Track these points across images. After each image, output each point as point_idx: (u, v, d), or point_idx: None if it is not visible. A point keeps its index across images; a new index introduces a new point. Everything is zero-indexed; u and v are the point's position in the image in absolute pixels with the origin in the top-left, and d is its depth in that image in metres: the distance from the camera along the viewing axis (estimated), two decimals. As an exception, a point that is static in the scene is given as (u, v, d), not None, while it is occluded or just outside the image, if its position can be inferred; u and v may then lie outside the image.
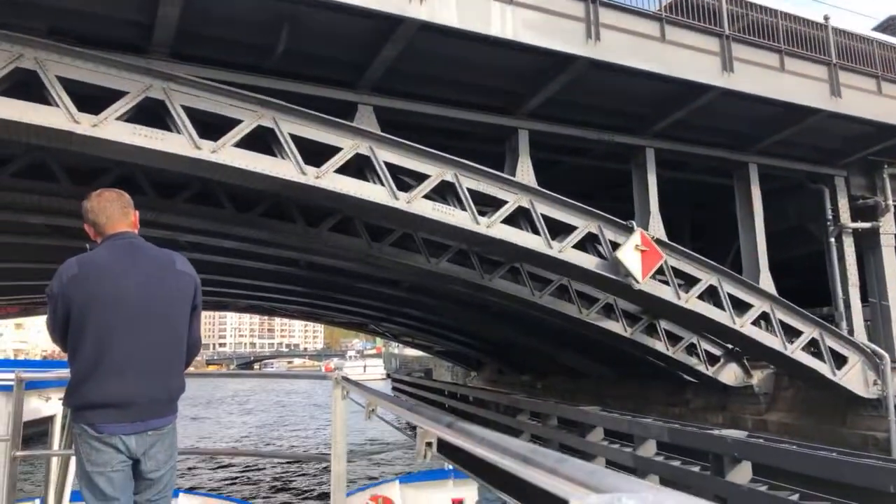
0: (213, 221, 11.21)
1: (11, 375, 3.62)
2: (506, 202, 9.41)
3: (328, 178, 8.21)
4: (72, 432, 2.91)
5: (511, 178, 9.48)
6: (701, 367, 14.99)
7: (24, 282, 19.11)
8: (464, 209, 9.09)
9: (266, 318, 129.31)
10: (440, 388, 26.28)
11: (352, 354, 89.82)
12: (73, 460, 3.71)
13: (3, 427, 3.62)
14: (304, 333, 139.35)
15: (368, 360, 77.11)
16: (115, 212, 2.82)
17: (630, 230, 10.16)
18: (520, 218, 9.66)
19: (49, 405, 4.41)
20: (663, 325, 15.22)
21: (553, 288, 13.97)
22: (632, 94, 10.16)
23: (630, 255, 9.88)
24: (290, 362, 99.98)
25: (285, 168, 8.02)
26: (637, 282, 9.92)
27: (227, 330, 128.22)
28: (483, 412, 18.13)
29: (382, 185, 8.55)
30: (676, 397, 18.31)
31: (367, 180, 8.55)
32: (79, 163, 10.17)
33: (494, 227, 9.27)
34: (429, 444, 1.87)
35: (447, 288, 14.72)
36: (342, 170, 8.37)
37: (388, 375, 56.48)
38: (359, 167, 8.61)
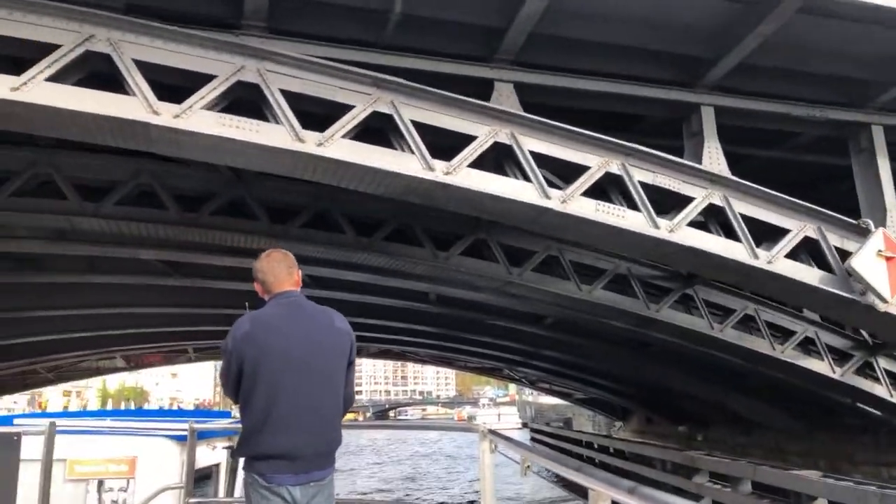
0: (333, 248, 9.75)
1: (185, 426, 3.74)
2: (692, 199, 7.07)
3: (461, 175, 6.33)
4: (244, 481, 2.96)
5: (697, 165, 7.14)
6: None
7: (162, 328, 18.92)
8: (637, 209, 6.87)
9: (399, 365, 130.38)
10: (587, 440, 23.29)
11: (484, 402, 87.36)
12: None
13: (179, 475, 3.76)
14: (437, 380, 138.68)
15: (502, 409, 74.35)
16: (281, 272, 3.00)
17: (865, 231, 7.38)
18: (710, 219, 7.28)
19: (215, 454, 4.53)
20: (882, 363, 11.88)
21: (736, 319, 11.20)
22: (853, 51, 7.55)
23: (870, 264, 7.12)
24: (423, 409, 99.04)
25: (408, 162, 6.27)
26: (884, 301, 7.13)
27: (363, 378, 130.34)
28: (646, 471, 15.23)
29: (529, 180, 6.54)
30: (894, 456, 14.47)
31: (508, 175, 6.61)
32: (186, 187, 9.11)
33: (679, 232, 6.94)
34: None
35: (600, 324, 12.36)
36: (477, 164, 6.50)
37: (525, 425, 53.47)
38: (497, 161, 6.69)
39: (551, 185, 6.63)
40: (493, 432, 3.26)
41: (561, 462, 2.54)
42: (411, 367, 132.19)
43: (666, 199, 7.09)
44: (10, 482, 3.35)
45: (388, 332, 18.76)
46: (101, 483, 4.14)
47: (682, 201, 7.05)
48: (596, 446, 21.52)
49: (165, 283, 12.76)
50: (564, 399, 34.06)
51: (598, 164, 6.78)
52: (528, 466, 2.75)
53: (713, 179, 7.16)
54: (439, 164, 6.30)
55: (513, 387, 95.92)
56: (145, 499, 3.69)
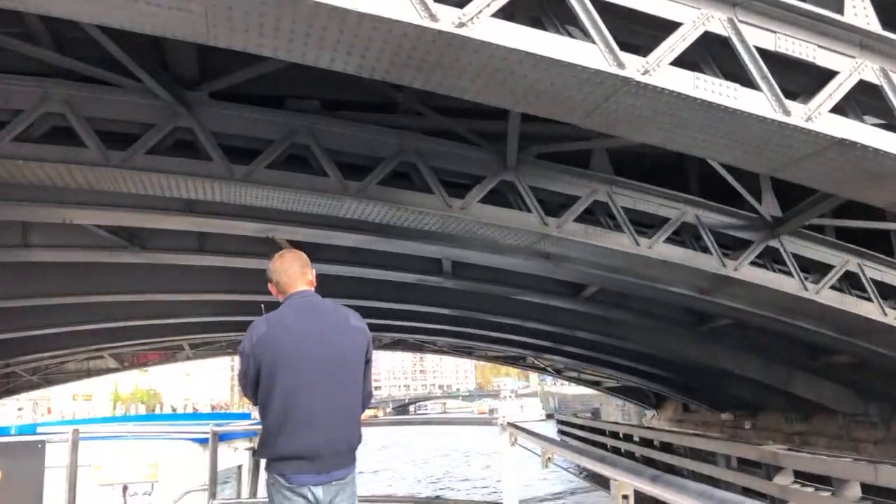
0: (314, 195, 7.37)
1: (206, 429, 3.84)
2: (835, 73, 4.63)
3: (482, 26, 3.95)
4: (266, 482, 2.90)
5: (840, 18, 4.65)
6: None
7: (148, 320, 16.68)
8: (755, 87, 4.43)
9: (417, 359, 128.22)
10: (626, 432, 20.69)
11: (506, 394, 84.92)
12: None
13: (201, 477, 3.76)
14: (456, 374, 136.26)
15: (524, 401, 71.88)
16: (295, 272, 3.01)
17: None
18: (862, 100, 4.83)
19: (237, 455, 4.53)
20: None
21: (836, 277, 8.69)
22: None
23: None
24: (444, 404, 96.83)
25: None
26: None
27: (382, 373, 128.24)
28: (705, 468, 12.72)
29: (592, 40, 4.15)
30: None
31: (561, 33, 4.19)
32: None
33: (821, 120, 4.50)
34: (625, 497, 1.78)
35: (654, 292, 9.90)
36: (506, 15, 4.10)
37: (549, 416, 50.99)
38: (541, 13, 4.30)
39: (625, 47, 4.20)
40: (512, 425, 3.21)
41: (582, 453, 2.58)
42: (429, 361, 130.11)
43: (797, 74, 4.63)
44: (35, 489, 3.35)
45: (400, 317, 16.35)
46: (125, 488, 4.20)
47: (822, 77, 4.59)
48: (637, 439, 18.90)
49: (129, 259, 10.44)
50: (593, 388, 31.53)
51: (695, 18, 4.34)
52: (550, 458, 2.79)
53: (863, 44, 4.69)
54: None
55: (534, 378, 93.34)
56: (170, 502, 3.72)
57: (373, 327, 3.38)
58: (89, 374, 22.54)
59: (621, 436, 20.63)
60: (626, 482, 1.76)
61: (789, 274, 8.56)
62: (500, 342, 20.88)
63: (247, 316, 16.67)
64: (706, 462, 13.38)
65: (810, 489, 9.96)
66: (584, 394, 52.12)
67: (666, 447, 16.09)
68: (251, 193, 7.13)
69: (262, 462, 3.13)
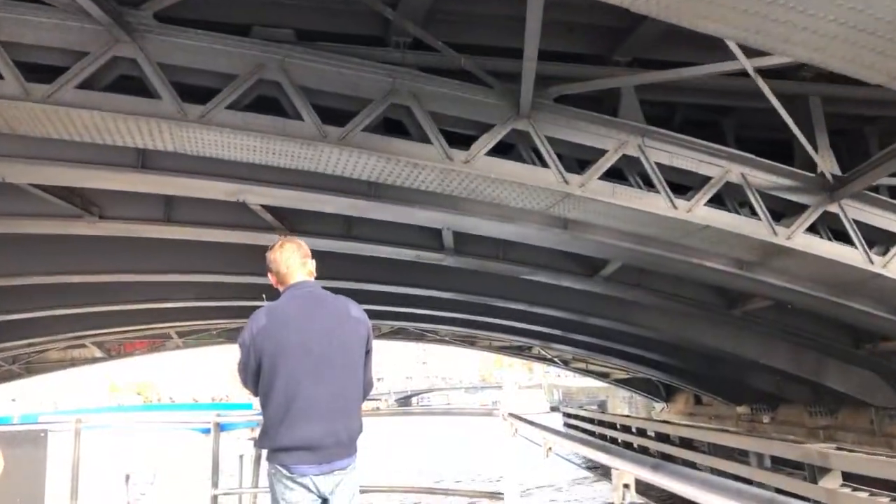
0: (284, 141, 6.07)
1: (208, 418, 3.70)
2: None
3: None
4: (267, 472, 2.91)
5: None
6: None
7: (128, 304, 15.42)
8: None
9: (420, 351, 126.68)
10: (640, 426, 19.37)
11: (508, 387, 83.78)
12: (259, 497, 4.30)
13: (203, 466, 3.63)
14: (459, 366, 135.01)
15: (527, 393, 70.67)
16: (295, 262, 3.00)
17: None
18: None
19: (239, 445, 4.39)
20: None
21: (904, 247, 7.36)
22: None
23: None
24: (447, 396, 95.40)
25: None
26: None
27: (384, 365, 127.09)
28: (734, 467, 11.42)
29: None
30: None
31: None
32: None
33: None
34: (626, 486, 1.78)
35: (688, 267, 8.56)
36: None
37: (555, 408, 49.83)
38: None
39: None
40: (512, 416, 3.21)
41: (583, 443, 2.54)
42: (432, 353, 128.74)
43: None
44: (38, 478, 3.32)
45: (398, 302, 15.06)
46: (128, 476, 4.11)
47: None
48: (652, 434, 17.57)
49: (85, 231, 9.15)
50: (601, 380, 30.25)
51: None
52: (550, 449, 2.76)
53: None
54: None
55: (538, 370, 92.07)
56: (171, 491, 3.78)
57: (370, 314, 3.05)
58: (73, 363, 21.33)
59: (633, 430, 19.30)
60: (627, 471, 1.74)
61: (850, 243, 7.24)
62: (506, 330, 19.59)
63: (236, 301, 15.35)
64: (729, 460, 12.08)
65: (863, 494, 8.69)
66: (590, 386, 50.86)
67: (685, 443, 14.75)
68: (209, 140, 5.82)
69: (264, 452, 3.24)
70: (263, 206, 7.71)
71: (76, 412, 4.84)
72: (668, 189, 6.68)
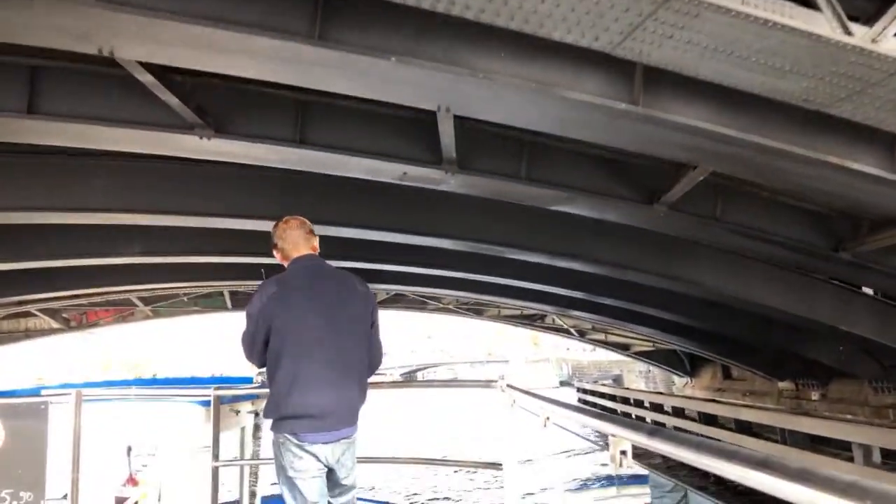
0: None
1: (208, 391, 3.77)
2: None
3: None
4: (274, 442, 2.96)
5: None
6: None
7: (80, 259, 12.55)
8: None
9: (425, 324, 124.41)
10: (676, 404, 16.40)
11: (516, 361, 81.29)
12: (261, 468, 4.57)
13: (204, 439, 3.67)
14: (464, 339, 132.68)
15: (535, 367, 68.09)
16: (300, 238, 3.10)
17: None
18: None
19: (238, 418, 4.37)
20: None
21: None
22: None
23: None
24: (452, 370, 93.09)
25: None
26: None
27: (388, 339, 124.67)
28: (830, 462, 8.52)
29: None
30: None
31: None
32: None
33: None
34: (623, 453, 1.82)
35: (811, 173, 5.54)
36: None
37: (564, 383, 47.18)
38: None
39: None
40: (511, 387, 3.23)
41: (580, 411, 2.42)
42: (437, 327, 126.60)
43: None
44: (39, 450, 3.28)
45: (386, 255, 12.16)
46: (129, 448, 4.14)
47: None
48: (697, 415, 14.63)
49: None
50: (620, 352, 27.36)
51: None
52: (548, 418, 2.69)
53: None
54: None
55: (546, 344, 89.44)
56: (173, 462, 3.73)
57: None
58: (27, 335, 18.55)
59: (668, 409, 16.38)
60: (624, 438, 1.76)
61: None
62: (520, 294, 16.66)
63: (195, 256, 12.54)
64: (816, 451, 9.21)
65: None
66: (602, 360, 48.11)
67: (743, 428, 11.80)
68: None
69: (266, 423, 3.41)
70: (147, 67, 4.72)
71: (76, 385, 4.17)
72: (836, 5, 3.66)
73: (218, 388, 3.87)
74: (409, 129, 6.50)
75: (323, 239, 3.37)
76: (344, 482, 2.96)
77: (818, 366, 17.20)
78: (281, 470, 2.87)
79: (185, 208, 9.02)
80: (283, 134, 6.29)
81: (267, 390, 2.97)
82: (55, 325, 18.33)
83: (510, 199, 7.68)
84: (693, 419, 14.54)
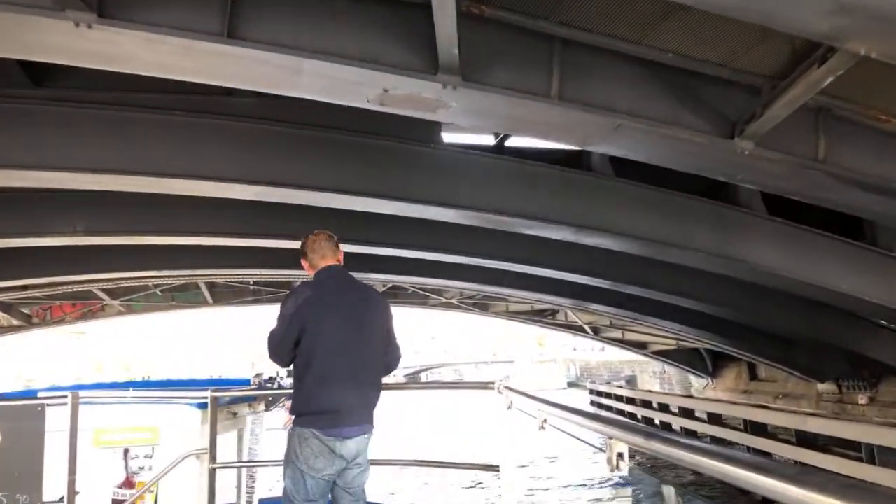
0: None
1: (206, 394, 3.75)
2: None
3: None
4: (295, 436, 3.08)
5: None
6: None
7: (16, 239, 10.54)
8: None
9: (428, 324, 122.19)
10: (717, 410, 14.17)
11: (521, 361, 79.07)
12: (259, 471, 4.75)
13: (202, 441, 3.69)
14: (468, 341, 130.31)
15: (540, 368, 65.86)
16: (327, 249, 3.31)
17: None
18: None
19: (236, 420, 4.39)
20: None
21: None
22: None
23: None
24: (456, 371, 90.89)
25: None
26: None
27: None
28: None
29: None
30: None
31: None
32: None
33: None
34: (620, 455, 1.80)
35: None
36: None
37: (572, 384, 45.03)
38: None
39: None
40: (509, 388, 3.27)
41: (576, 413, 2.45)
42: (441, 327, 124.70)
43: None
44: (36, 453, 3.26)
45: (384, 232, 10.15)
46: (126, 451, 4.08)
47: None
48: (741, 423, 12.43)
49: None
50: (637, 352, 25.20)
51: None
52: (545, 421, 2.72)
53: None
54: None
55: (551, 345, 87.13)
56: (170, 464, 3.61)
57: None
58: (-16, 333, 16.53)
59: (701, 415, 14.19)
60: (622, 440, 1.77)
61: None
62: (532, 285, 14.59)
63: (153, 235, 10.51)
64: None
65: None
66: (612, 360, 45.86)
67: (806, 441, 9.62)
68: None
69: (265, 424, 4.13)
70: None
71: (72, 388, 3.88)
72: None
73: (215, 391, 3.81)
74: (391, 21, 4.44)
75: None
76: (359, 479, 3.11)
77: (866, 364, 15.11)
78: (292, 463, 3.02)
79: (127, 166, 7.00)
80: (205, 24, 4.24)
81: (264, 392, 3.87)
82: (14, 321, 16.33)
83: (531, 132, 5.59)
84: (736, 428, 12.35)
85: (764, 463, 1.08)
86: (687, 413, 15.09)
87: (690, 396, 20.10)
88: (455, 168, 7.60)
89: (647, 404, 18.67)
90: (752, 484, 1.08)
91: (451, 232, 10.15)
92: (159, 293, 16.52)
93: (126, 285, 14.80)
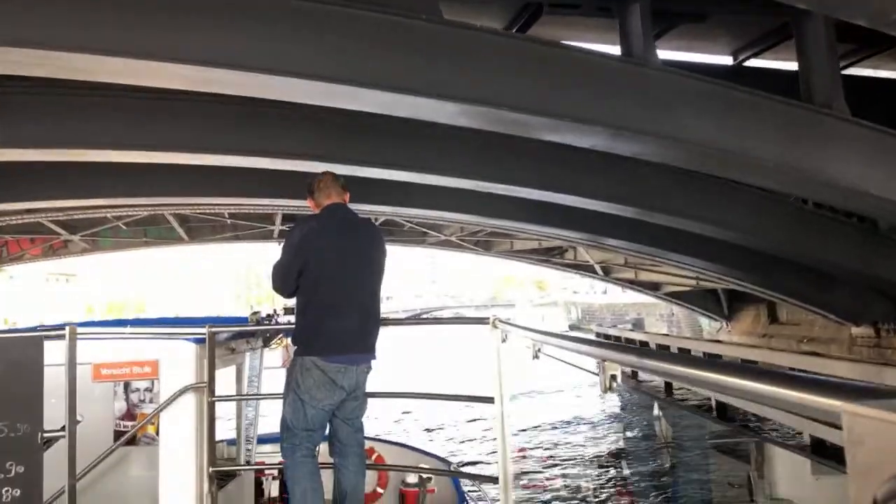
0: None
1: (203, 330, 3.83)
2: None
3: None
4: (298, 367, 3.13)
5: None
6: None
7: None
8: None
9: (427, 265, 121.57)
10: (753, 356, 12.49)
11: (522, 304, 78.15)
12: (257, 405, 4.75)
13: (200, 375, 3.78)
14: (469, 284, 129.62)
15: (542, 311, 64.78)
16: (335, 189, 3.40)
17: None
18: None
19: (234, 356, 4.48)
20: None
21: None
22: None
23: None
24: (457, 314, 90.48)
25: None
26: None
27: (393, 283, 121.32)
28: None
29: None
30: None
31: None
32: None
33: None
34: (613, 377, 1.86)
35: None
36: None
37: (576, 327, 43.78)
38: None
39: None
40: (502, 322, 3.31)
41: (569, 339, 2.48)
42: (442, 271, 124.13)
43: None
44: (36, 383, 3.26)
45: (345, 142, 8.20)
46: (127, 384, 4.23)
47: None
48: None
49: None
50: (650, 293, 23.53)
51: None
52: (539, 350, 2.67)
53: None
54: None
55: (552, 287, 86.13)
56: (169, 397, 3.69)
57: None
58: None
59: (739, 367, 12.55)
60: (615, 361, 1.81)
61: None
62: (541, 217, 12.70)
63: (96, 147, 8.56)
64: None
65: None
66: (616, 303, 44.41)
67: None
68: None
69: (261, 360, 4.22)
70: None
71: (69, 323, 3.63)
72: None
73: (212, 326, 3.80)
74: None
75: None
76: (361, 408, 3.24)
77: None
78: (293, 392, 3.09)
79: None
80: None
81: (262, 327, 3.81)
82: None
83: None
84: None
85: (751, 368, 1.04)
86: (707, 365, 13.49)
87: (718, 341, 18.47)
88: (449, 45, 5.57)
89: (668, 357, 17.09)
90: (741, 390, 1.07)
91: (448, 135, 8.20)
92: (123, 227, 14.66)
93: (80, 216, 12.91)
